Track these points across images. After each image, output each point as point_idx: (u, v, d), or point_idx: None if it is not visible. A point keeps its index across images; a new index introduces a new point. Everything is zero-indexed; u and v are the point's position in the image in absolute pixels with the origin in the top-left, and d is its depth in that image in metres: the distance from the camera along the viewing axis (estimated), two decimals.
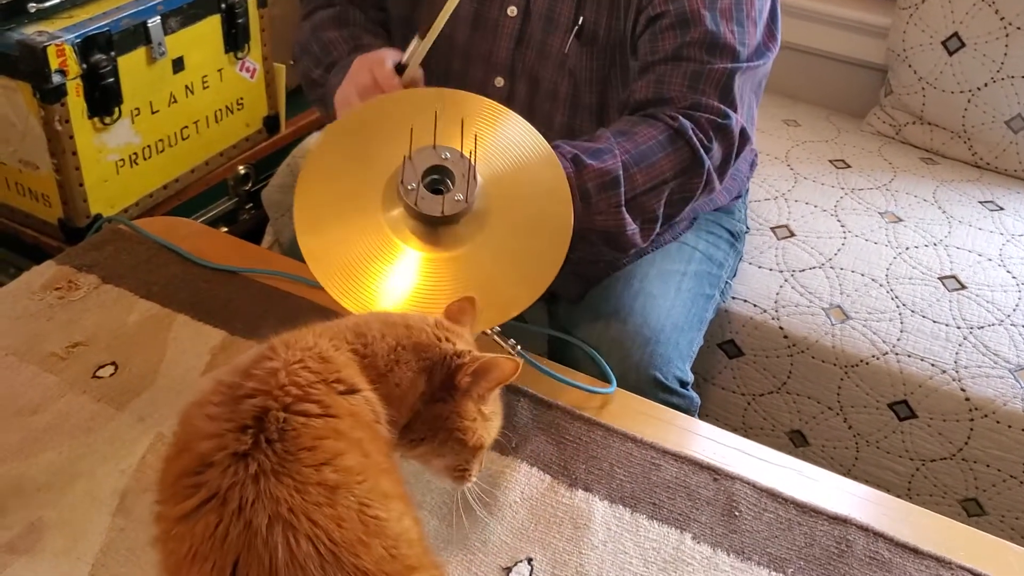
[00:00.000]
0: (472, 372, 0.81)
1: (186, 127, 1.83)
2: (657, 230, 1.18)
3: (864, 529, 0.97)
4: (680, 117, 1.15)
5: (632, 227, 1.13)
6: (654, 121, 1.16)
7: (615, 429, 1.07)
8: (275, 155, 2.08)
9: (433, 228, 1.02)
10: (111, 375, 1.13)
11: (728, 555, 0.95)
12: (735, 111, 1.17)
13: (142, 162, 1.75)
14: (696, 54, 1.16)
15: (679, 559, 0.94)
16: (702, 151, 1.14)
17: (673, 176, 1.14)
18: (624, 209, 1.12)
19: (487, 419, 0.86)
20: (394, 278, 1.02)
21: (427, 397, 0.81)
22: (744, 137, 1.19)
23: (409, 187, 0.98)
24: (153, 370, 1.14)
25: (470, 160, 1.00)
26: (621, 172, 1.11)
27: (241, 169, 2.00)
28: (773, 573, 0.93)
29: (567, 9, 1.24)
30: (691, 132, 1.14)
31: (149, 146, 1.75)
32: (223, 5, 1.80)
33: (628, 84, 1.24)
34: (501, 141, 1.06)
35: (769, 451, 1.08)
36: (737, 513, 0.99)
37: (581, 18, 1.23)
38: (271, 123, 2.05)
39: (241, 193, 2.03)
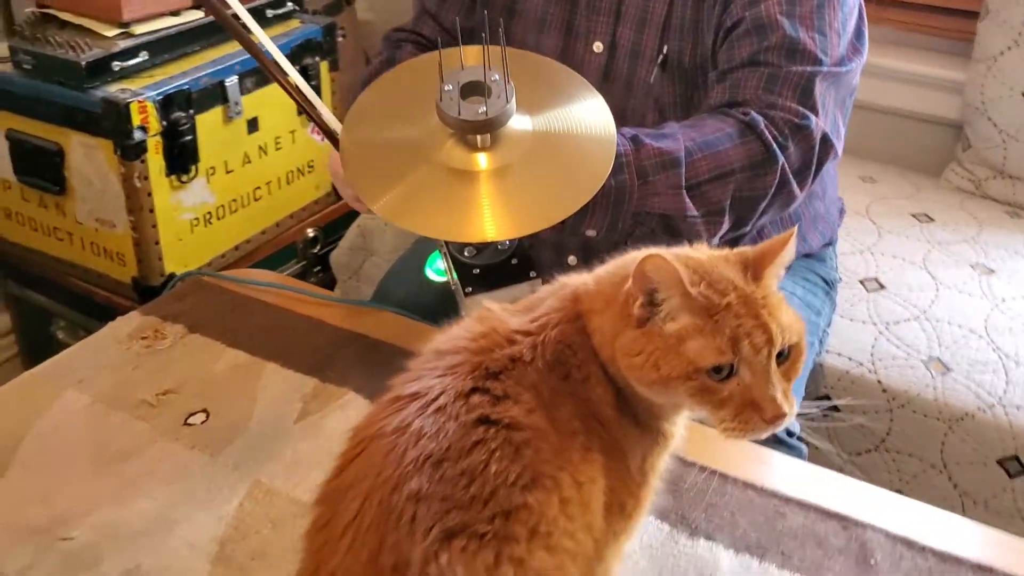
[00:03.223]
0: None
1: (258, 188, 1.83)
2: (726, 226, 1.10)
3: None
4: (752, 112, 1.09)
5: (693, 213, 1.06)
6: (725, 116, 1.11)
7: (732, 476, 1.02)
8: (342, 219, 2.08)
9: (466, 143, 0.94)
10: (203, 422, 1.09)
11: None
12: (816, 115, 1.11)
13: (215, 221, 1.74)
14: (774, 59, 1.11)
15: None
16: (775, 147, 1.07)
17: (741, 168, 1.07)
18: (684, 193, 1.06)
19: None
20: (416, 185, 0.94)
21: None
22: (827, 143, 1.12)
23: (445, 88, 0.92)
24: (245, 417, 1.10)
25: (507, 85, 0.92)
26: (683, 155, 1.06)
27: (310, 232, 2.00)
28: None
29: (651, 41, 1.22)
30: (763, 126, 1.08)
31: (223, 206, 1.75)
32: (297, 67, 1.81)
33: None
34: (567, 102, 1.00)
35: (895, 496, 1.01)
36: (873, 562, 0.93)
37: (666, 47, 1.21)
38: None
39: (309, 256, 2.02)
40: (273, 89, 1.77)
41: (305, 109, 0.98)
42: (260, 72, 1.73)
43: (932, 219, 1.85)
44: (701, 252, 0.70)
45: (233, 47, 1.70)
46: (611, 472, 0.68)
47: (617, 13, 1.24)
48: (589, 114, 0.98)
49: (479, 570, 0.59)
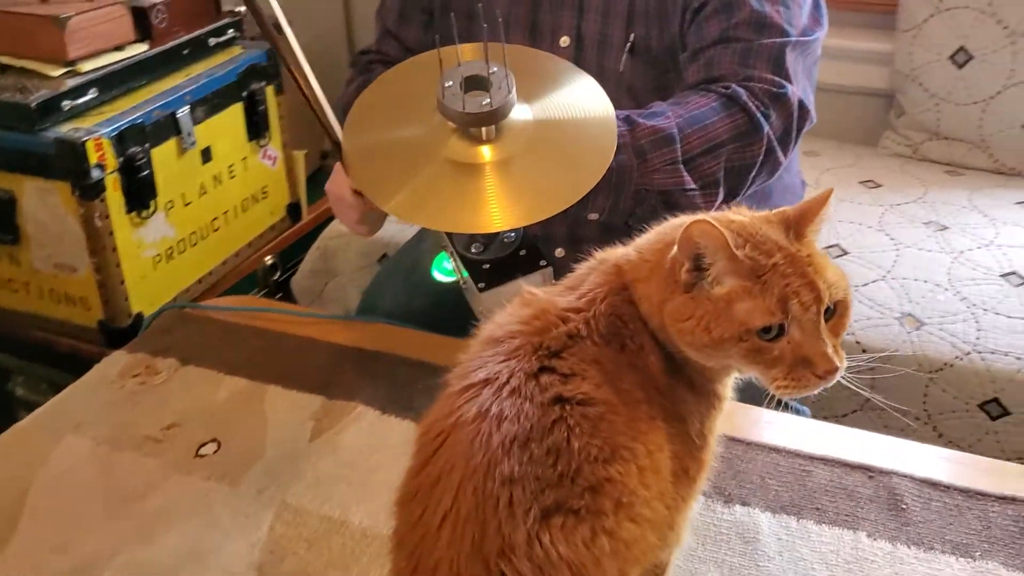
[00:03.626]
0: None
1: (216, 218, 1.80)
2: (720, 197, 1.13)
3: None
4: (733, 85, 1.12)
5: (692, 186, 1.09)
6: (707, 92, 1.14)
7: (756, 442, 1.04)
8: (299, 243, 2.06)
9: (470, 137, 0.95)
10: (215, 452, 1.07)
11: (909, 547, 0.91)
12: (790, 83, 1.14)
13: (177, 256, 1.71)
14: (744, 33, 1.15)
15: (861, 558, 0.90)
16: (759, 116, 1.11)
17: (730, 139, 1.10)
18: (682, 166, 1.08)
19: None
20: (426, 182, 0.95)
21: None
22: (804, 109, 1.16)
23: (446, 84, 0.94)
24: (259, 443, 1.08)
25: (508, 76, 0.94)
26: (676, 132, 1.08)
27: (268, 260, 1.97)
28: (960, 559, 0.89)
29: (618, 30, 1.24)
30: (745, 98, 1.11)
31: (183, 239, 1.72)
32: (244, 93, 1.79)
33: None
34: (563, 88, 1.02)
35: (909, 443, 1.05)
36: (904, 506, 0.95)
37: (633, 35, 1.23)
38: (294, 211, 2.03)
39: (270, 283, 1.99)
40: (224, 116, 1.75)
41: (319, 118, 0.97)
42: (210, 100, 1.71)
43: (880, 184, 1.92)
44: (742, 215, 0.72)
45: (181, 77, 1.67)
46: (674, 438, 0.69)
47: (580, 6, 1.25)
48: (585, 97, 0.99)
49: (578, 545, 0.60)
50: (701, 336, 0.67)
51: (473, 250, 1.00)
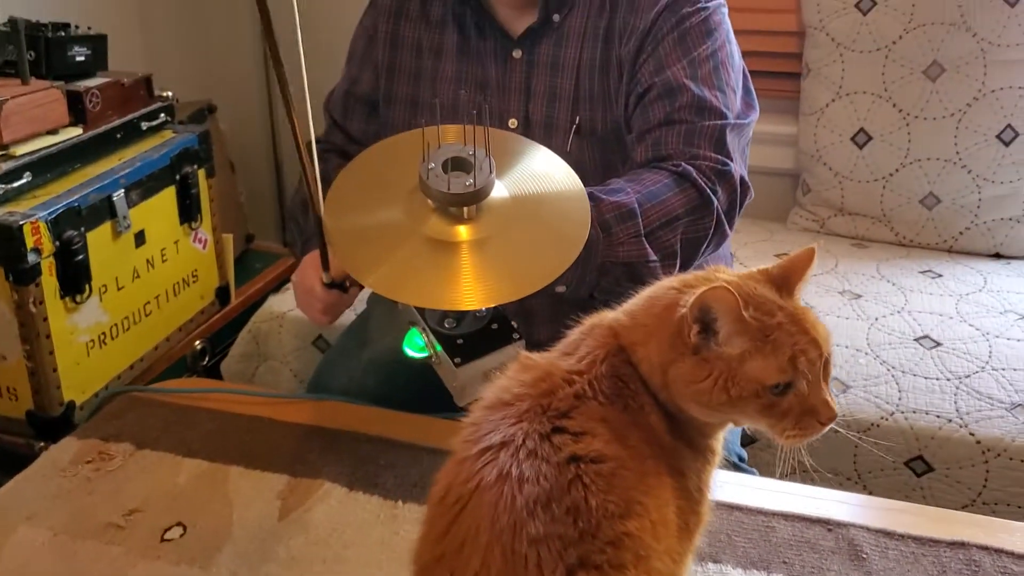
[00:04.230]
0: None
1: (148, 303, 1.77)
2: (677, 268, 1.19)
3: (984, 548, 1.00)
4: (683, 164, 1.20)
5: (653, 258, 1.15)
6: (658, 169, 1.21)
7: (719, 501, 1.08)
8: (228, 327, 2.04)
9: (451, 216, 0.98)
10: (181, 535, 1.05)
11: None
12: (732, 162, 1.22)
13: (110, 342, 1.67)
14: (687, 116, 1.23)
15: None
16: (709, 192, 1.18)
17: (685, 213, 1.17)
18: (644, 240, 1.14)
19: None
20: (407, 259, 0.98)
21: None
22: (745, 186, 1.24)
23: (428, 168, 0.96)
24: (226, 524, 1.07)
25: (489, 157, 0.98)
26: (636, 206, 1.14)
27: (198, 344, 1.94)
28: None
29: (563, 114, 1.31)
30: (695, 175, 1.18)
31: (116, 324, 1.68)
32: (177, 176, 1.79)
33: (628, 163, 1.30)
34: (530, 165, 1.06)
35: (860, 496, 1.11)
36: (864, 556, 1.01)
37: (578, 117, 1.30)
38: (222, 294, 2.01)
39: (199, 369, 1.96)
40: (157, 200, 1.74)
41: (306, 175, 0.99)
42: (144, 183, 1.70)
43: None
44: (726, 273, 0.77)
45: (115, 160, 1.66)
46: (678, 493, 0.72)
47: (527, 92, 1.32)
48: (554, 173, 1.04)
49: None
50: (719, 395, 0.71)
51: (446, 325, 1.02)
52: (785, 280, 0.75)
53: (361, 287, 1.31)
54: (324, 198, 1.03)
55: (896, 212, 2.09)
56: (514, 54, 1.32)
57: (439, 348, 1.02)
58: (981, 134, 2.00)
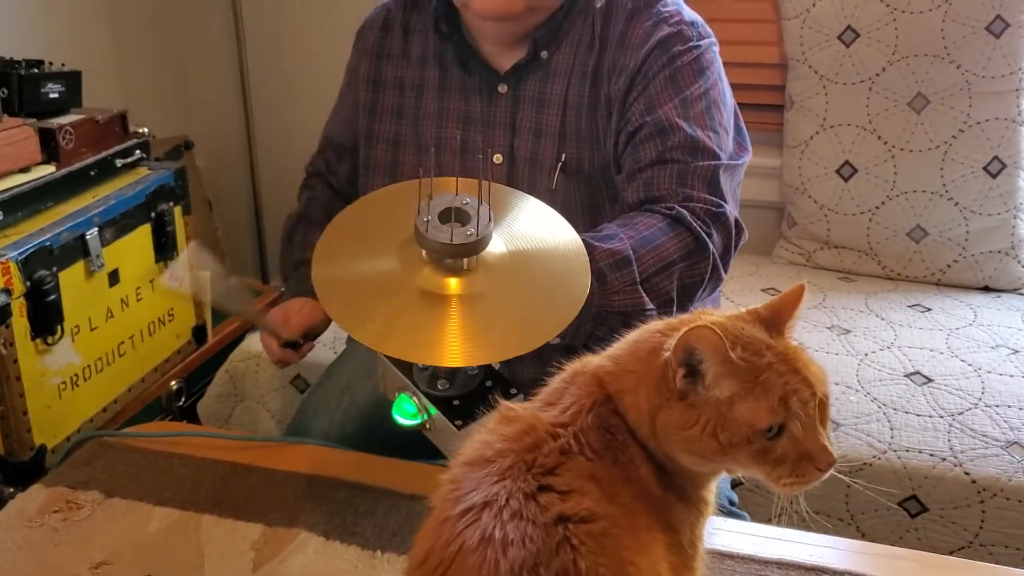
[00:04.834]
0: None
1: (122, 343, 1.73)
2: (674, 314, 1.16)
3: None
4: (676, 206, 1.17)
5: (650, 306, 1.12)
6: (651, 213, 1.18)
7: (710, 550, 1.04)
8: (204, 367, 1.99)
9: (446, 268, 0.96)
10: None
11: None
12: (725, 203, 1.20)
13: (83, 383, 1.63)
14: (679, 156, 1.20)
15: None
16: (704, 235, 1.15)
17: (680, 258, 1.14)
18: (640, 287, 1.11)
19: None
20: (401, 313, 0.95)
21: None
22: (739, 227, 1.21)
23: (425, 219, 0.94)
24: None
25: (488, 206, 0.96)
26: (631, 253, 1.11)
27: (173, 384, 1.90)
28: None
29: (549, 150, 1.28)
30: (689, 218, 1.15)
31: (89, 366, 1.64)
32: (153, 214, 1.75)
33: (617, 203, 1.27)
34: (526, 218, 1.04)
35: (852, 542, 1.08)
36: None
37: (564, 155, 1.27)
38: (199, 333, 1.97)
39: (175, 410, 1.91)
40: (132, 238, 1.71)
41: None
42: (119, 221, 1.66)
43: (779, 290, 2.00)
44: (714, 315, 0.74)
45: (89, 199, 1.62)
46: (671, 549, 0.69)
47: (512, 127, 1.29)
48: (551, 228, 1.01)
49: None
50: (710, 442, 0.67)
51: (440, 387, 0.98)
52: (775, 319, 0.72)
53: (311, 347, 1.33)
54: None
55: (883, 245, 2.07)
56: (499, 89, 1.29)
57: (434, 411, 0.98)
58: (968, 166, 1.99)
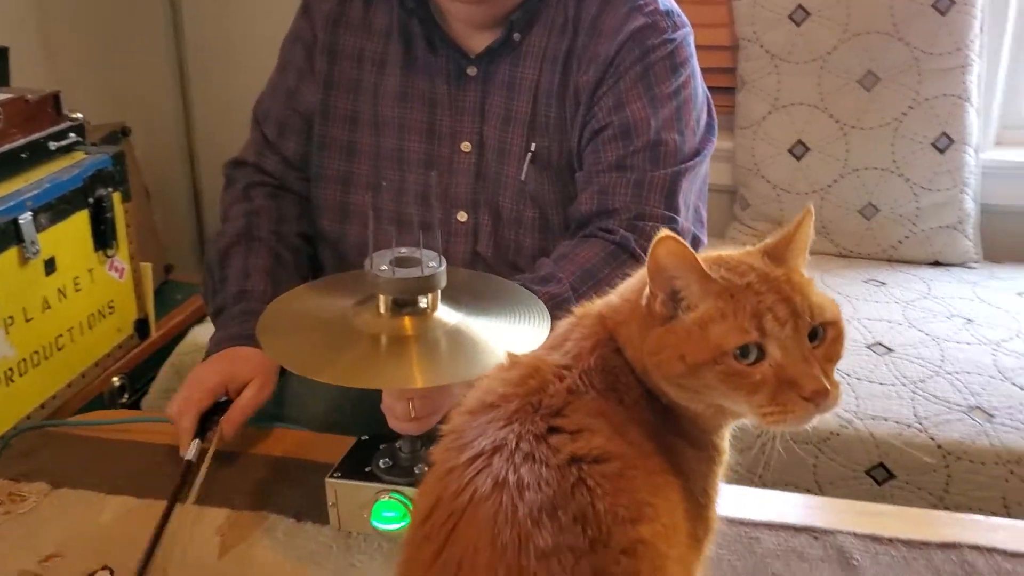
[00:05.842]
0: None
1: (60, 336, 1.64)
2: None
3: (975, 548, 0.96)
4: (620, 230, 1.15)
5: None
6: (594, 240, 1.16)
7: None
8: (148, 362, 1.91)
9: (402, 312, 0.97)
10: None
11: None
12: (679, 215, 1.18)
13: (18, 378, 1.53)
14: (639, 163, 1.18)
15: None
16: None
17: None
18: None
19: None
20: (358, 360, 0.95)
21: None
22: (695, 241, 1.21)
23: (381, 268, 0.94)
24: (159, 565, 0.96)
25: (436, 253, 0.97)
26: (570, 293, 1.10)
27: (116, 380, 1.81)
28: None
29: (518, 139, 1.24)
30: (633, 244, 1.14)
31: (24, 359, 1.55)
32: (91, 200, 1.67)
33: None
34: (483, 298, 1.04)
35: (841, 501, 1.07)
36: (855, 563, 0.95)
37: (533, 145, 1.24)
38: (142, 327, 1.88)
39: (117, 407, 1.82)
40: (68, 224, 1.62)
41: None
42: (55, 206, 1.57)
43: None
44: (723, 252, 0.71)
45: (22, 182, 1.53)
46: (684, 495, 0.65)
47: (481, 113, 1.25)
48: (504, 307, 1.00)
49: None
50: (676, 365, 0.63)
51: (423, 454, 0.98)
52: (776, 247, 0.69)
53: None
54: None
55: (835, 223, 2.08)
56: (468, 71, 1.25)
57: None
58: (917, 142, 2.01)
